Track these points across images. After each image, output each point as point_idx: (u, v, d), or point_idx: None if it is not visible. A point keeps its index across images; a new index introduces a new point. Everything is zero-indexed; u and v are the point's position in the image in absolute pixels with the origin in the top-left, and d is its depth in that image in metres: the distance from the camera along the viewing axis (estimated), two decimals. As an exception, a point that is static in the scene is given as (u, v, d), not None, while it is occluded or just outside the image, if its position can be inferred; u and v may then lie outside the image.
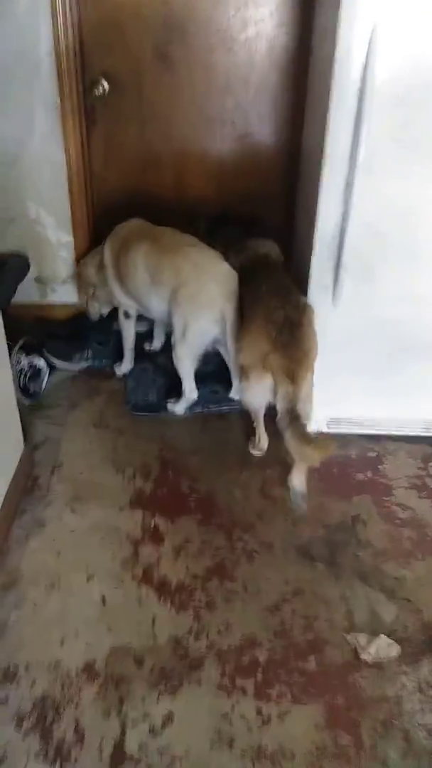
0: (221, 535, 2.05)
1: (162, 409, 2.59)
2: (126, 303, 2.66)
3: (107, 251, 2.58)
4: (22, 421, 2.43)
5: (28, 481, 2.24)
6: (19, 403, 2.56)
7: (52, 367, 2.80)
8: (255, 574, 1.91)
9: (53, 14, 2.42)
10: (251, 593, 1.86)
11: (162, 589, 1.87)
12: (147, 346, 2.97)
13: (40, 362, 2.69)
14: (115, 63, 2.59)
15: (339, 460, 2.36)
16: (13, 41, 2.48)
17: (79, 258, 2.87)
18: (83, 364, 2.85)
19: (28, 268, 1.76)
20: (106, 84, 2.62)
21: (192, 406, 2.57)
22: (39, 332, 2.91)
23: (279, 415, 2.01)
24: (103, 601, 1.83)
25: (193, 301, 2.29)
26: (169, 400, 2.60)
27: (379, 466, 2.34)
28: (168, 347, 2.49)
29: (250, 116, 2.69)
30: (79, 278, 2.85)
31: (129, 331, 2.75)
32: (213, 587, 1.87)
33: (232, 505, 2.17)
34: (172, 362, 2.46)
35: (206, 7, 2.47)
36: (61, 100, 2.58)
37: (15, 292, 1.83)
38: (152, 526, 2.09)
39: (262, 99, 2.64)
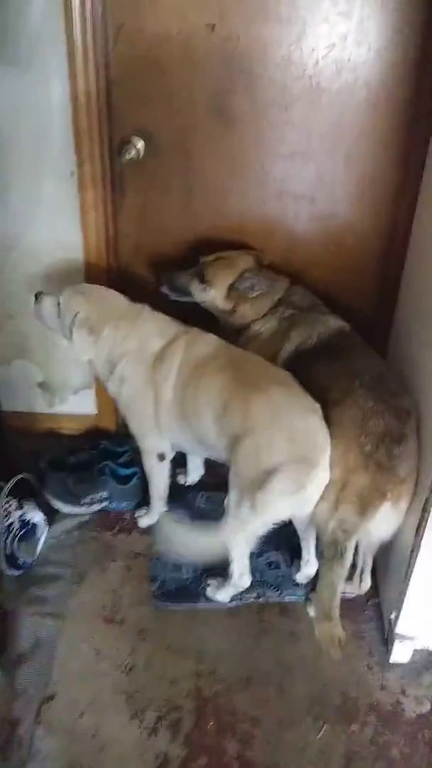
0: None
1: (200, 596, 1.84)
2: (166, 445, 1.94)
3: (174, 374, 1.76)
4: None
5: (1, 733, 1.51)
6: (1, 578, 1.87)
7: (54, 513, 2.09)
8: None
9: (70, 53, 1.73)
10: None
11: None
12: (182, 479, 2.24)
13: (36, 516, 1.98)
14: (154, 117, 1.90)
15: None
16: (15, 87, 1.79)
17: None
18: (95, 508, 2.13)
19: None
20: (140, 144, 1.92)
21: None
22: (42, 458, 2.21)
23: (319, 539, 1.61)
24: None
25: (255, 462, 1.55)
26: (210, 581, 1.86)
27: None
28: (212, 479, 1.68)
29: (336, 192, 1.97)
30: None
31: (162, 477, 2.03)
32: None
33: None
34: (215, 504, 1.71)
35: (285, 44, 1.76)
36: (79, 165, 1.89)
37: None
38: None
39: (356, 171, 1.92)
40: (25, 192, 1.95)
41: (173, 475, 2.20)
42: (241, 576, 1.76)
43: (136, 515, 2.12)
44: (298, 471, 1.47)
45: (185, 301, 2.01)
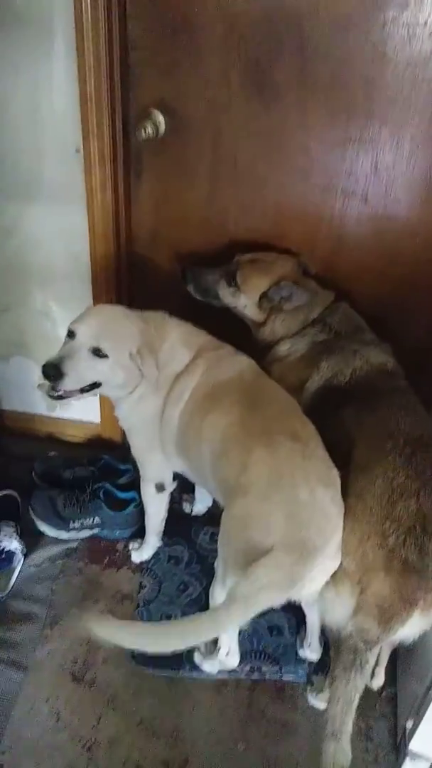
0: None
1: (184, 662, 1.58)
2: (168, 474, 1.68)
3: (185, 398, 1.48)
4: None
5: None
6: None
7: (38, 535, 1.86)
8: None
9: (76, 5, 1.40)
10: None
11: None
12: (187, 507, 1.97)
13: (12, 544, 1.74)
14: (179, 87, 1.56)
15: None
16: (9, 43, 1.49)
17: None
18: (84, 534, 1.88)
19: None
20: (161, 119, 1.60)
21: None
22: (36, 467, 1.98)
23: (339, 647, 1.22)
24: None
25: (242, 531, 1.24)
26: (198, 647, 1.58)
27: None
28: (220, 511, 1.38)
29: (396, 190, 1.59)
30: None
31: (159, 510, 1.76)
32: None
33: None
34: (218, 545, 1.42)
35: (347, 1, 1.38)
36: (85, 140, 1.57)
37: None
38: None
39: (422, 166, 1.54)
40: (23, 169, 1.66)
41: (179, 501, 1.95)
42: (227, 654, 1.47)
43: (129, 547, 1.86)
44: (291, 562, 1.15)
45: (213, 304, 1.71)
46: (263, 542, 1.17)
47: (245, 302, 1.66)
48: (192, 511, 1.97)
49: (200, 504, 1.95)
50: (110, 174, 1.62)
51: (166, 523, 1.81)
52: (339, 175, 1.60)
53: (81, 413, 2.10)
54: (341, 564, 1.22)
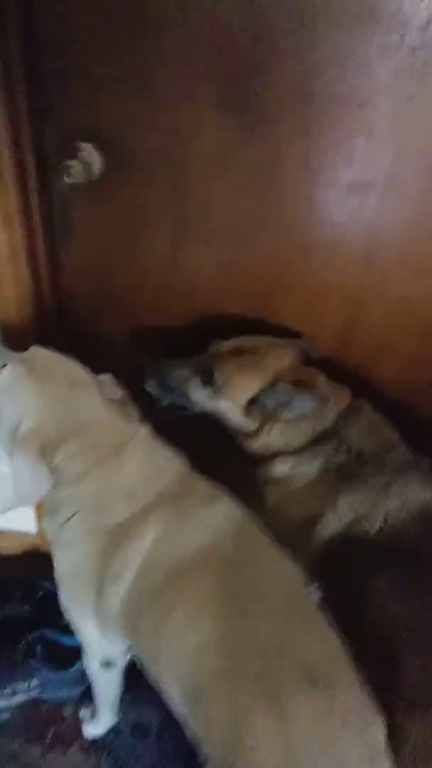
0: None
1: None
2: (113, 648, 1.17)
3: (129, 578, 0.99)
4: None
5: None
6: None
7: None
8: None
9: None
10: None
11: None
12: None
13: None
14: (118, 111, 1.05)
15: None
16: None
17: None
18: (19, 699, 1.42)
19: None
20: (95, 155, 1.09)
21: None
22: None
23: None
24: None
25: None
26: None
27: None
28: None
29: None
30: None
31: (109, 686, 1.31)
32: None
33: None
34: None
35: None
36: (-17, 191, 1.05)
37: None
38: None
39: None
40: None
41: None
42: None
43: (80, 715, 1.41)
44: None
45: (181, 408, 1.24)
46: None
47: (228, 408, 1.21)
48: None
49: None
50: (23, 236, 1.12)
51: (126, 670, 1.35)
52: (355, 228, 1.13)
53: (12, 522, 1.62)
54: None
